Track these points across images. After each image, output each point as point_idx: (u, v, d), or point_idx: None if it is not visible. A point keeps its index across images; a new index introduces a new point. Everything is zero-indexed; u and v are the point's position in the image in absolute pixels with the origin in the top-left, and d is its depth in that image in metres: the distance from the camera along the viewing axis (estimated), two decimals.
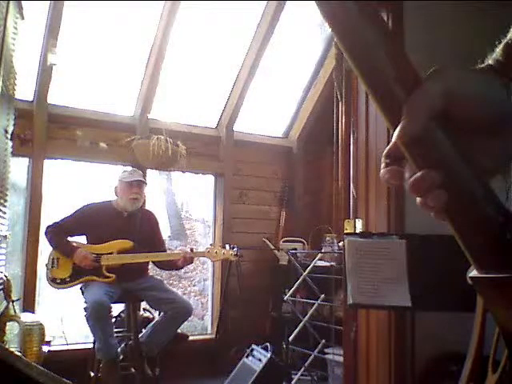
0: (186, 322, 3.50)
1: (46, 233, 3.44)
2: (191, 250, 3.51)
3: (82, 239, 3.53)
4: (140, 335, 3.39)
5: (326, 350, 3.67)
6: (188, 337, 3.89)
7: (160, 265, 3.67)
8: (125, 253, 3.41)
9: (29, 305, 3.64)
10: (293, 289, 3.83)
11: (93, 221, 3.47)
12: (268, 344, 3.62)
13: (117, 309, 3.56)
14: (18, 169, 3.65)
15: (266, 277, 4.66)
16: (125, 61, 4.29)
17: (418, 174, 0.44)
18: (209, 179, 4.84)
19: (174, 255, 3.54)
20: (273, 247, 4.72)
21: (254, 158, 4.88)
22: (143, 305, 3.78)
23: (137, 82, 4.23)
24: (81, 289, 3.40)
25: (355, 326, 2.61)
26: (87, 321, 3.13)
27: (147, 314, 3.82)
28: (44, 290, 3.96)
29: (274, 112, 5.19)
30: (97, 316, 3.09)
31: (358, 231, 2.58)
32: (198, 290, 6.97)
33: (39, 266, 3.74)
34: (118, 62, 4.27)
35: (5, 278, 2.92)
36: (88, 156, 4.09)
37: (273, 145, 5.05)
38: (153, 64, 4.11)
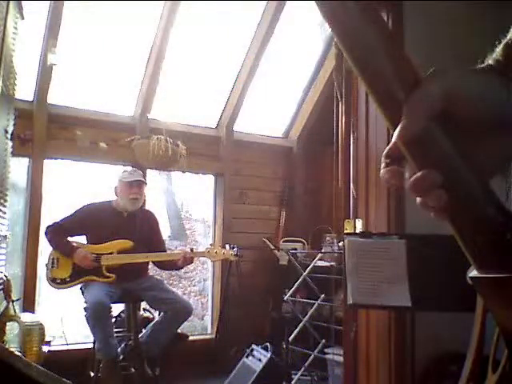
0: (186, 322, 3.50)
1: (46, 233, 3.44)
2: (191, 250, 3.51)
3: (82, 239, 3.53)
4: (140, 335, 3.39)
5: (325, 350, 3.67)
6: (188, 337, 3.88)
7: (160, 265, 3.67)
8: (125, 253, 3.41)
9: (29, 305, 3.64)
10: (293, 289, 3.82)
11: (93, 221, 3.47)
12: (268, 344, 3.62)
13: (117, 309, 3.55)
14: (18, 169, 3.65)
15: (266, 277, 4.65)
16: (125, 61, 4.29)
17: (418, 174, 0.44)
18: (209, 179, 4.84)
19: (174, 255, 3.54)
20: (273, 247, 4.72)
21: (254, 158, 4.88)
22: (143, 305, 3.78)
23: (137, 81, 4.23)
24: (81, 289, 3.40)
25: (355, 326, 2.61)
26: (87, 321, 3.13)
27: (147, 314, 3.81)
28: (44, 289, 3.96)
29: (274, 112, 5.19)
30: (97, 316, 3.09)
31: (358, 231, 2.58)
32: (198, 290, 6.96)
33: (39, 266, 3.74)
34: (118, 62, 4.27)
35: (5, 278, 2.91)
36: (88, 156, 4.09)
37: (273, 145, 5.05)
38: (153, 64, 4.11)
